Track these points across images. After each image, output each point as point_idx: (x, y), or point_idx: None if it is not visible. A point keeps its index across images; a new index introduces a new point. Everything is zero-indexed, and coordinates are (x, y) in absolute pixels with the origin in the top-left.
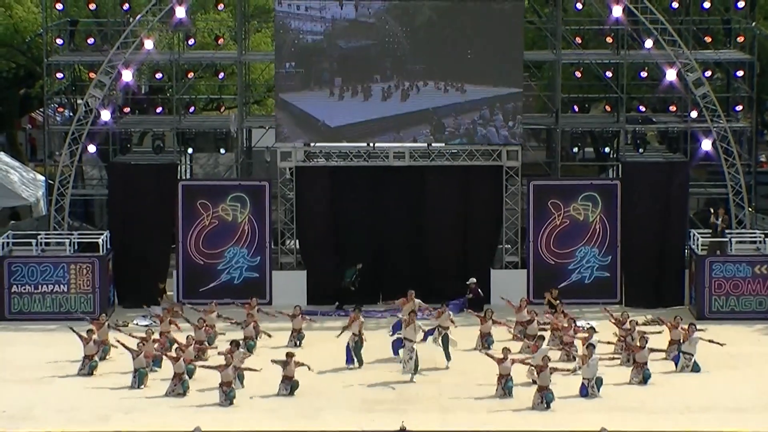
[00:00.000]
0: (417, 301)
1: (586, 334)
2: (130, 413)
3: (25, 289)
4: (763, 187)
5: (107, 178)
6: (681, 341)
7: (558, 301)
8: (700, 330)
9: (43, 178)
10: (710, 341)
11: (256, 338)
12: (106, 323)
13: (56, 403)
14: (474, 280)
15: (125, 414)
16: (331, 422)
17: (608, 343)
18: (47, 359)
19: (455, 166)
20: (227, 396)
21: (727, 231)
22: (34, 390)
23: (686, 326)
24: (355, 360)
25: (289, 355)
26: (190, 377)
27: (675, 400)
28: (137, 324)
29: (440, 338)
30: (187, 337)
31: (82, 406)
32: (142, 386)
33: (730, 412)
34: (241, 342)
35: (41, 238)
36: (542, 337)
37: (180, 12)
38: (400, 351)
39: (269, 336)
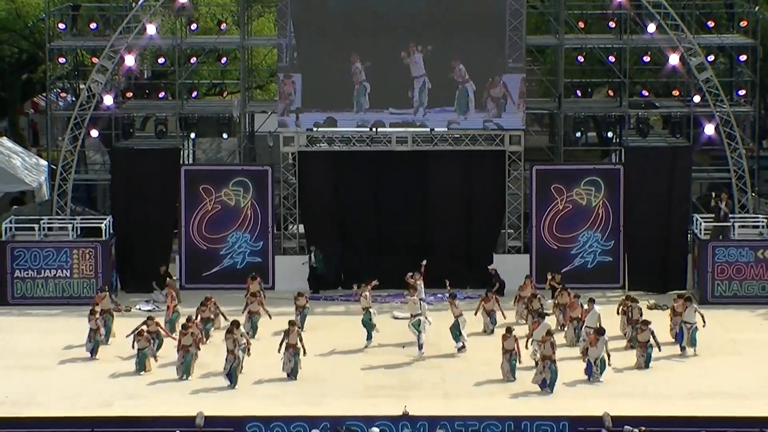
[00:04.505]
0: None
1: (587, 307)
2: (133, 399)
3: (27, 274)
4: (765, 172)
5: (110, 163)
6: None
7: (560, 285)
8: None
9: (45, 163)
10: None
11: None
12: (108, 294)
13: (59, 388)
14: (494, 266)
15: (128, 399)
16: (334, 407)
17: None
18: (50, 345)
19: (458, 150)
20: (231, 367)
21: (729, 216)
22: (37, 376)
23: (682, 302)
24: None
25: (292, 324)
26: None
27: (678, 386)
28: (140, 309)
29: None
30: (189, 316)
31: (85, 391)
32: (143, 372)
33: (733, 397)
34: (243, 322)
35: (44, 223)
36: (543, 316)
37: None
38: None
39: (269, 317)
